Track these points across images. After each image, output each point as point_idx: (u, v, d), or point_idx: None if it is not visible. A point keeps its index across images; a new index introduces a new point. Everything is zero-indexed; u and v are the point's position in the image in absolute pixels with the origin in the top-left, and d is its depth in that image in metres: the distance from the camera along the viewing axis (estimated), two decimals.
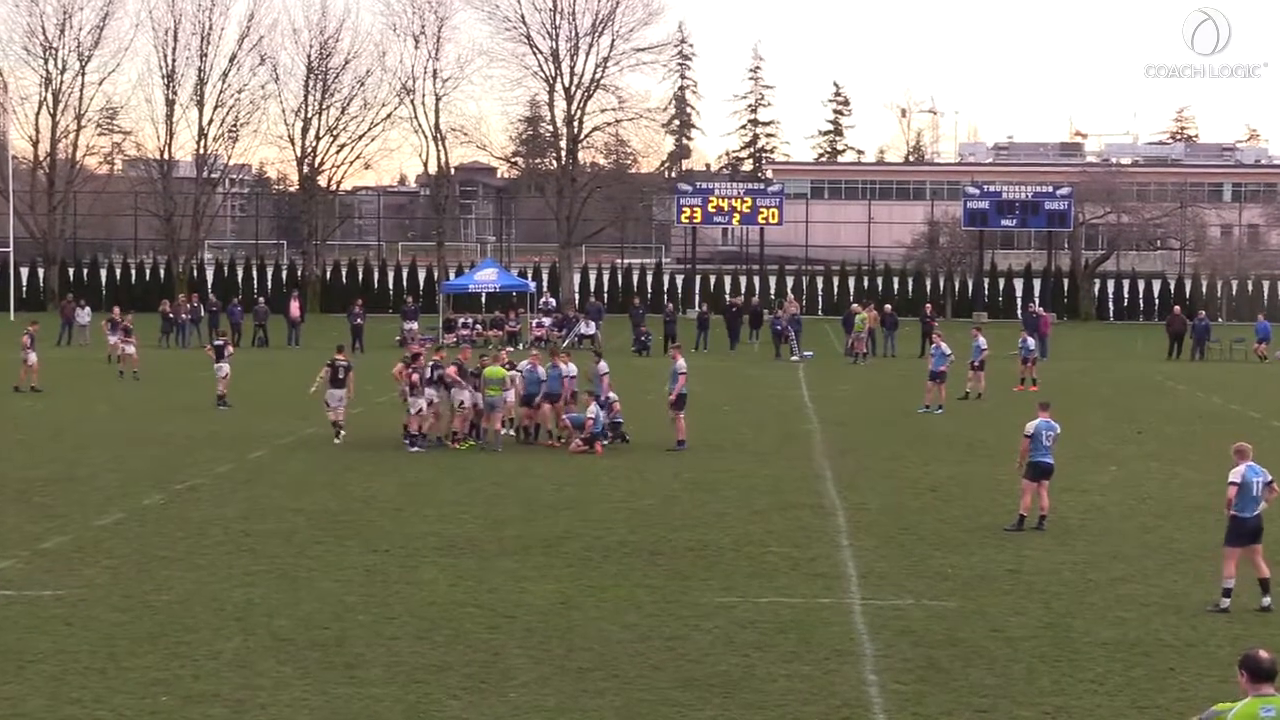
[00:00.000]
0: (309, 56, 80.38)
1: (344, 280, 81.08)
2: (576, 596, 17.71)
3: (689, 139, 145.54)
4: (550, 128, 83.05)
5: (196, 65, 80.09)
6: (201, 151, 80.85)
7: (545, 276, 79.44)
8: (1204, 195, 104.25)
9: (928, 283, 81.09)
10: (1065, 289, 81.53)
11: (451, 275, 74.20)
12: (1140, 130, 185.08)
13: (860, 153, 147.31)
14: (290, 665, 14.89)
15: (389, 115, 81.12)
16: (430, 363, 30.38)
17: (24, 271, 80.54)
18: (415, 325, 57.81)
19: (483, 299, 68.87)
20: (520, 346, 51.38)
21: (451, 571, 18.95)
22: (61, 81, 79.65)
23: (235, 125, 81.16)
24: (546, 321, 60.78)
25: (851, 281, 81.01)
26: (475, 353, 34.15)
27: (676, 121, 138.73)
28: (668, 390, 30.38)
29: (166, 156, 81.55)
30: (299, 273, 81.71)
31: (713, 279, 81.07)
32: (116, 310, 51.06)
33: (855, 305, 59.35)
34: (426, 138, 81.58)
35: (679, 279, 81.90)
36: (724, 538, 21.27)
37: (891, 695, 14.20)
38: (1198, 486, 25.59)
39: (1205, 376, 48.38)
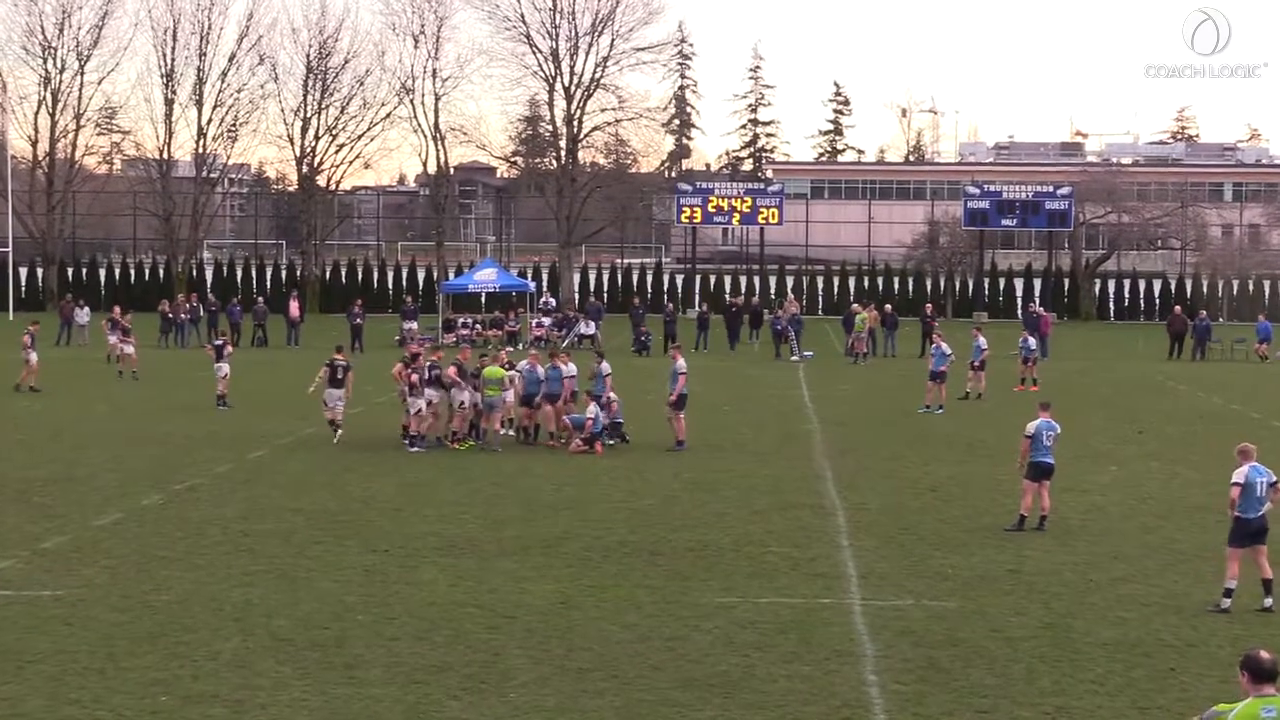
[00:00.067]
0: (308, 56, 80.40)
1: (343, 280, 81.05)
2: (576, 597, 17.69)
3: (689, 139, 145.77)
4: (550, 127, 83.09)
5: (195, 65, 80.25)
6: (200, 151, 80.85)
7: (545, 276, 79.39)
8: (1205, 195, 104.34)
9: (928, 283, 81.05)
10: (1066, 289, 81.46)
11: (451, 275, 74.13)
12: (1141, 130, 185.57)
13: (860, 152, 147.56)
14: (289, 665, 14.87)
15: (388, 115, 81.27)
16: (429, 363, 30.36)
17: (23, 271, 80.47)
18: (415, 325, 57.74)
19: (482, 299, 68.76)
20: (520, 346, 51.32)
21: (451, 572, 18.92)
22: (60, 81, 79.73)
23: (234, 125, 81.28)
24: (546, 321, 60.74)
25: (852, 281, 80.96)
26: (475, 353, 34.13)
27: (676, 121, 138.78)
28: (668, 391, 30.36)
29: (165, 156, 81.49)
30: (298, 272, 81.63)
31: (713, 279, 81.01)
32: (116, 310, 50.92)
33: (855, 305, 59.32)
34: (426, 137, 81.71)
35: (679, 279, 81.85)
36: (724, 538, 21.24)
37: (892, 695, 14.18)
38: (1198, 487, 25.60)
39: (1206, 376, 48.35)
